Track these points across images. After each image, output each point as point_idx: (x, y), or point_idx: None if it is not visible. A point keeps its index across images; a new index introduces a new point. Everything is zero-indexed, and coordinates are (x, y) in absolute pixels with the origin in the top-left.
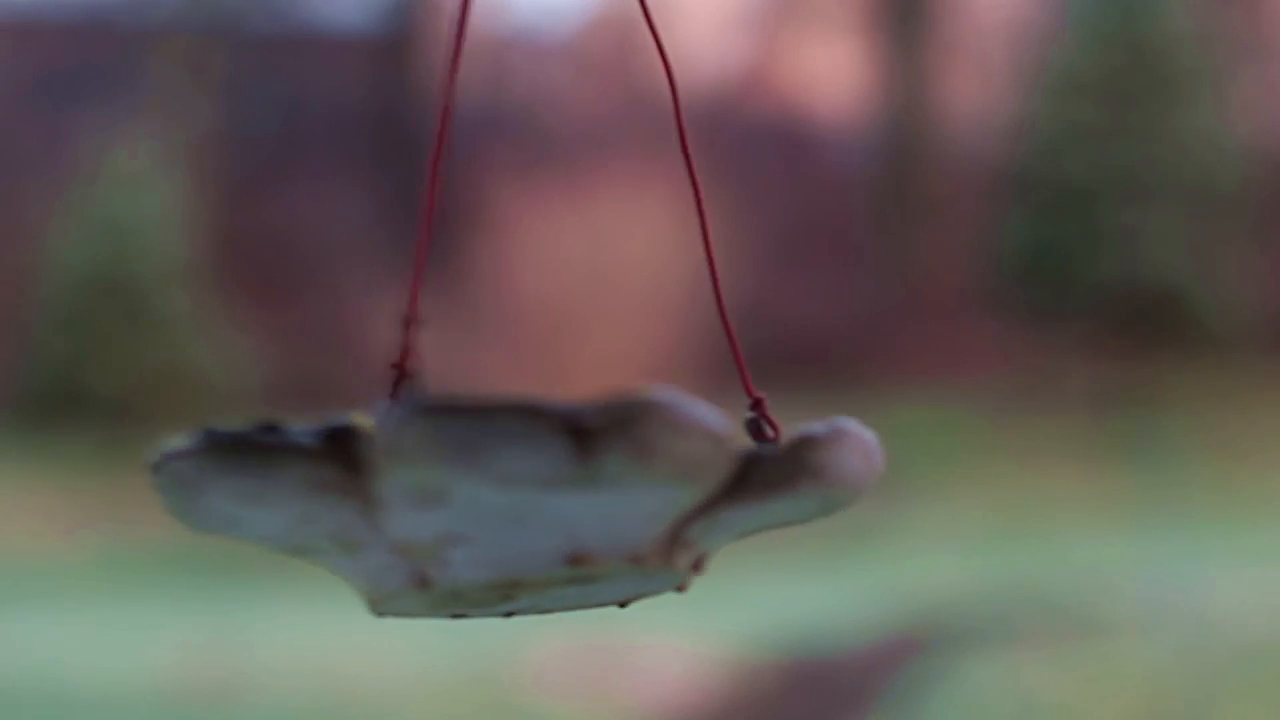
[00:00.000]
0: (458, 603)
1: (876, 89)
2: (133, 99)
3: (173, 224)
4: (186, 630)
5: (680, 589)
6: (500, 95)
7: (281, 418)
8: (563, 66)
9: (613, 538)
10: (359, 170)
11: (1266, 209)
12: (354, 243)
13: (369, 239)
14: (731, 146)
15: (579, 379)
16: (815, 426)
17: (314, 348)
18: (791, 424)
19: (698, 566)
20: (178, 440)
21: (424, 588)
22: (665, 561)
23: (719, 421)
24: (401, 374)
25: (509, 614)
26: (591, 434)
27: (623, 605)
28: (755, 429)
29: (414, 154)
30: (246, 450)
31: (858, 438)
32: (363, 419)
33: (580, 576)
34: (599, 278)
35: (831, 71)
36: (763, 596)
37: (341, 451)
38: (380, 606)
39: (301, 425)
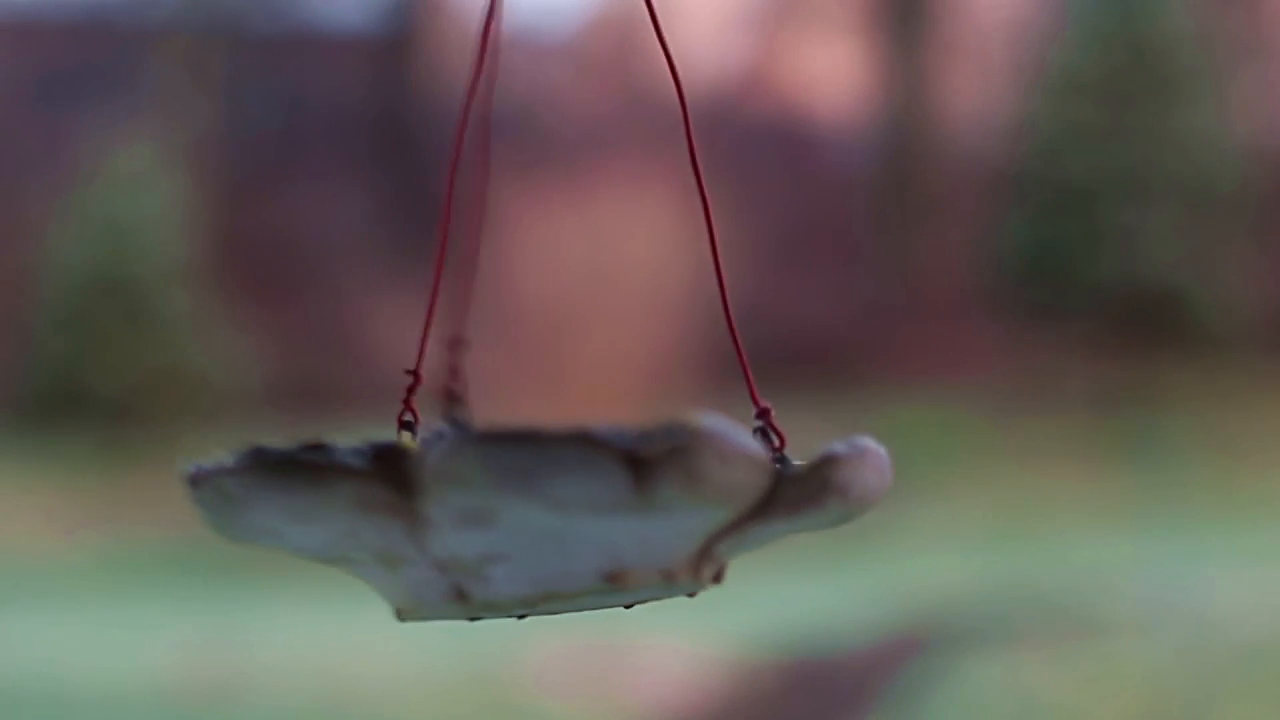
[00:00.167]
0: (486, 611)
1: (876, 89)
2: (133, 99)
3: (173, 224)
4: (186, 630)
5: (692, 594)
6: (500, 95)
7: (328, 436)
8: (563, 66)
9: (649, 555)
10: (359, 170)
11: (1266, 209)
12: (354, 243)
13: (369, 239)
14: (731, 146)
15: (579, 379)
16: (838, 446)
17: (314, 348)
18: (791, 424)
19: (718, 577)
20: (221, 456)
21: (461, 601)
22: (694, 575)
23: (758, 447)
24: (449, 397)
25: (521, 615)
26: (647, 463)
27: (628, 606)
28: (762, 438)
29: (414, 154)
30: (296, 469)
31: (876, 455)
32: (409, 440)
33: (613, 590)
34: (599, 278)
35: (831, 71)
36: (763, 596)
37: (390, 472)
38: (409, 615)
39: (349, 444)
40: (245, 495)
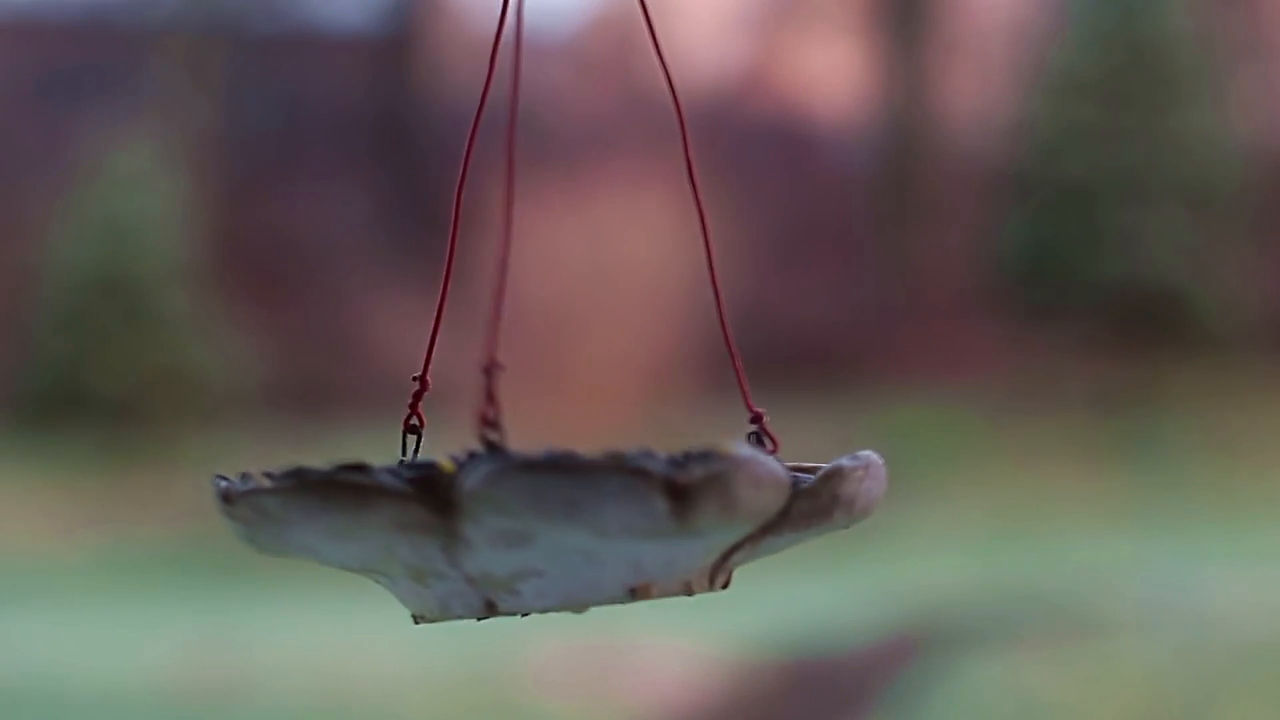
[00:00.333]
0: (504, 615)
1: (876, 89)
2: (133, 99)
3: (173, 224)
4: (186, 630)
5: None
6: (499, 95)
7: (367, 460)
8: (563, 66)
9: (671, 569)
10: (359, 170)
11: (1266, 209)
12: (354, 243)
13: (369, 239)
14: (731, 146)
15: (579, 379)
16: (844, 461)
17: (314, 348)
18: (791, 425)
19: (725, 583)
20: (259, 475)
21: (489, 612)
22: (709, 584)
23: (783, 470)
24: (486, 421)
25: (526, 613)
26: (687, 492)
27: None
28: (756, 442)
29: (414, 154)
30: (338, 490)
31: (879, 467)
32: (447, 462)
33: (633, 600)
34: (599, 278)
35: (831, 71)
36: (763, 596)
37: (430, 493)
38: (429, 620)
39: (389, 467)
40: (286, 514)
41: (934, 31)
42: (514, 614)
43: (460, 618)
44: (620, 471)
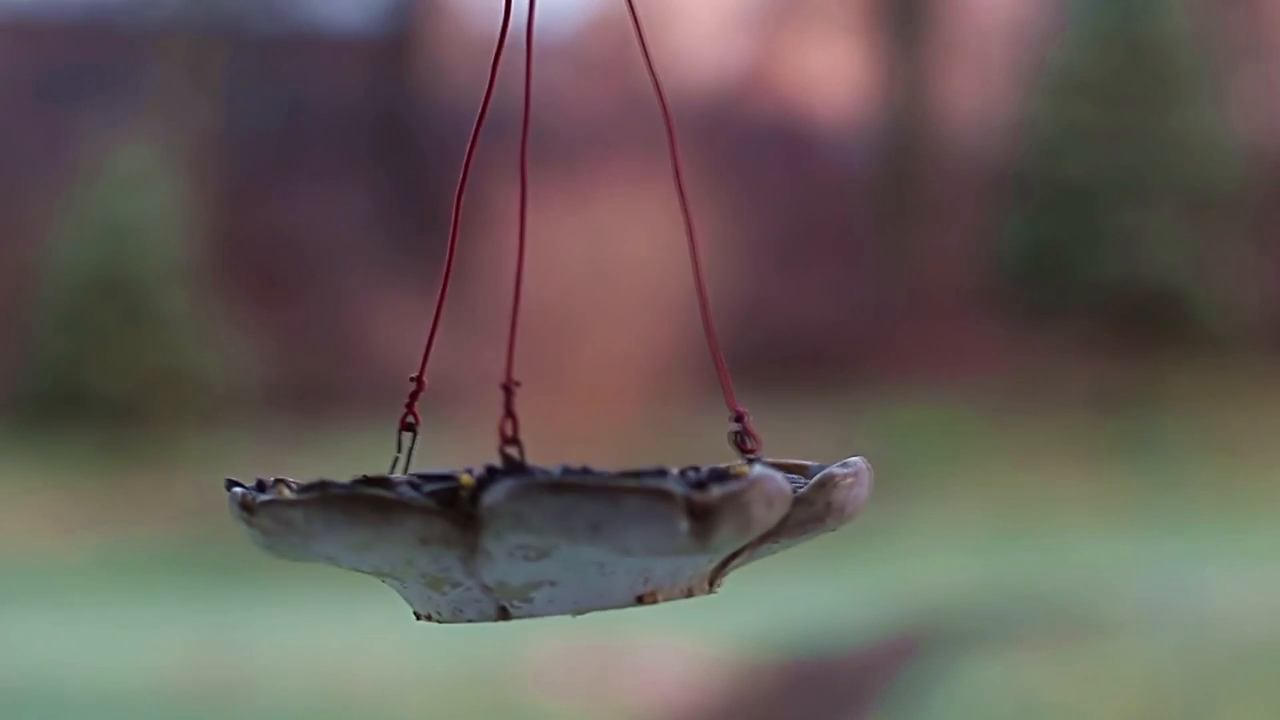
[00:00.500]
0: (515, 619)
1: (876, 89)
2: (133, 99)
3: (173, 224)
4: (186, 630)
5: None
6: (499, 95)
7: (387, 474)
8: (563, 66)
9: (677, 578)
10: (359, 170)
11: (1266, 209)
12: (354, 243)
13: (369, 239)
14: (731, 146)
15: (579, 379)
16: (835, 469)
17: (314, 348)
18: (791, 424)
19: (720, 584)
20: (273, 482)
21: (501, 618)
22: (708, 588)
23: (788, 485)
24: (506, 440)
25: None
26: (708, 513)
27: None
28: (739, 441)
29: (414, 154)
30: (364, 505)
31: (866, 473)
32: (467, 478)
33: (638, 605)
34: (599, 278)
35: (831, 71)
36: (763, 596)
37: (452, 508)
38: (437, 621)
39: (409, 478)
40: (309, 526)
41: (934, 31)
42: (524, 619)
43: (471, 621)
44: (643, 493)
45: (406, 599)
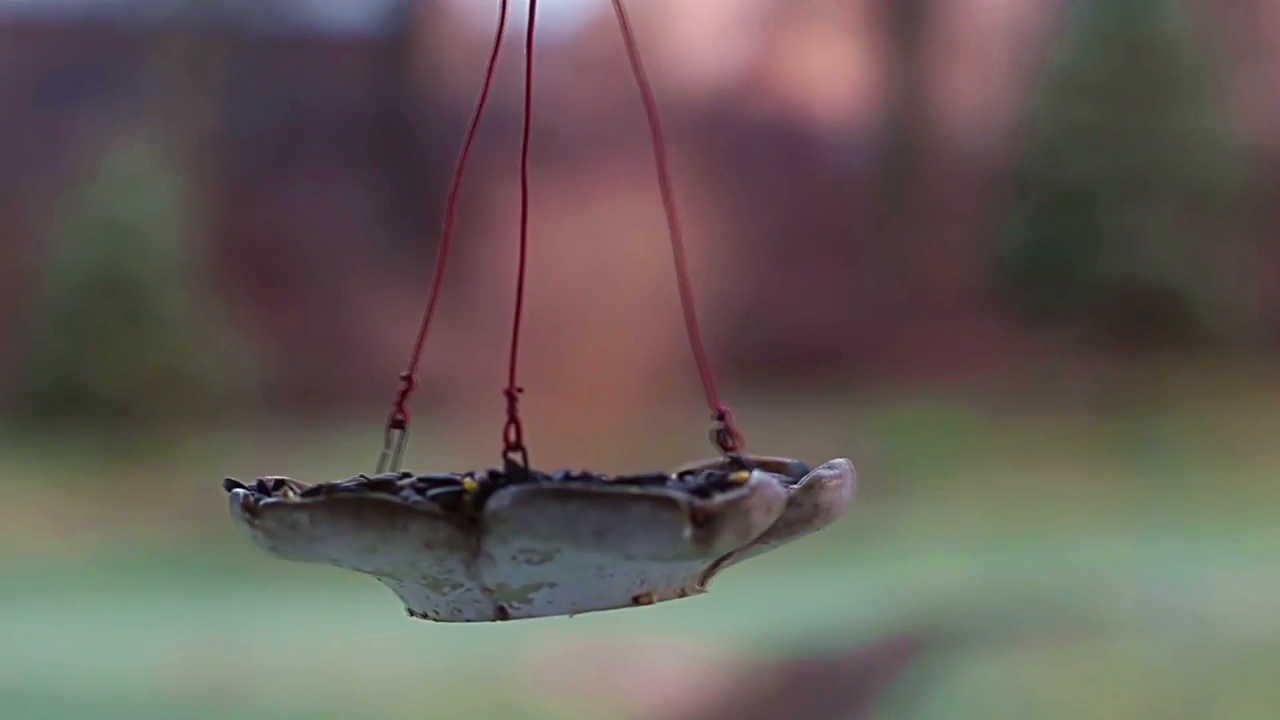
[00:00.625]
0: (512, 620)
1: (876, 89)
2: (133, 99)
3: (173, 224)
4: (186, 630)
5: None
6: (499, 95)
7: (390, 479)
8: (563, 66)
9: (672, 579)
10: (359, 170)
11: (1266, 209)
12: (354, 243)
13: (369, 239)
14: (731, 146)
15: (579, 379)
16: (822, 470)
17: (314, 348)
18: (791, 424)
19: (710, 584)
20: (273, 482)
21: (499, 618)
22: (699, 588)
23: (784, 490)
24: (510, 447)
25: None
26: (711, 519)
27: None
28: (721, 440)
29: (414, 154)
30: (371, 509)
31: (851, 474)
32: (470, 482)
33: (632, 606)
34: (599, 278)
35: (831, 71)
36: (763, 596)
37: (456, 512)
38: (434, 620)
39: (412, 481)
40: (316, 530)
41: (934, 31)
42: (522, 619)
43: (469, 621)
44: (649, 500)
45: (401, 596)
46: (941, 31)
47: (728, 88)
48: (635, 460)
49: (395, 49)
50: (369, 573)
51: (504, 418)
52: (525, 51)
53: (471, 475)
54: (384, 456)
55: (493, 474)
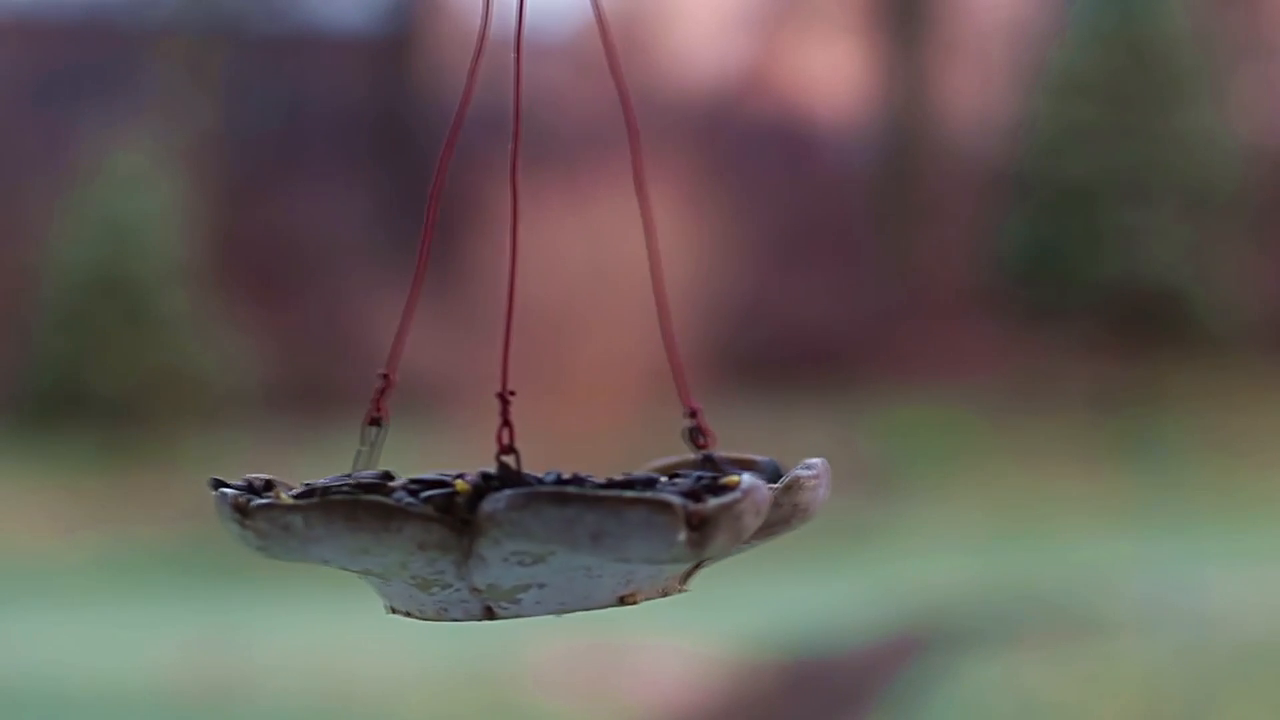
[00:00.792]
0: (499, 620)
1: (876, 89)
2: (133, 99)
3: (173, 224)
4: (186, 630)
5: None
6: (498, 95)
7: (392, 474)
8: (562, 66)
9: (656, 579)
10: (359, 170)
11: (1266, 209)
12: (354, 243)
13: (369, 239)
14: (731, 146)
15: (579, 379)
16: (800, 471)
17: (314, 348)
18: (791, 424)
19: (689, 584)
20: (281, 491)
21: (486, 617)
22: (679, 587)
23: (770, 493)
24: (504, 450)
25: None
26: (705, 522)
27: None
28: (693, 437)
29: (414, 154)
30: (365, 511)
31: (828, 474)
32: (462, 485)
33: (618, 606)
34: (599, 278)
35: (831, 71)
36: (763, 596)
37: (449, 514)
38: (416, 618)
39: (405, 483)
40: (310, 532)
41: (934, 31)
42: (510, 619)
43: (455, 621)
44: (646, 504)
45: (385, 595)
46: (941, 31)
47: (728, 88)
48: (636, 460)
49: (395, 49)
50: (356, 572)
51: (498, 420)
52: (523, 50)
53: (463, 477)
54: (359, 454)
55: (485, 475)
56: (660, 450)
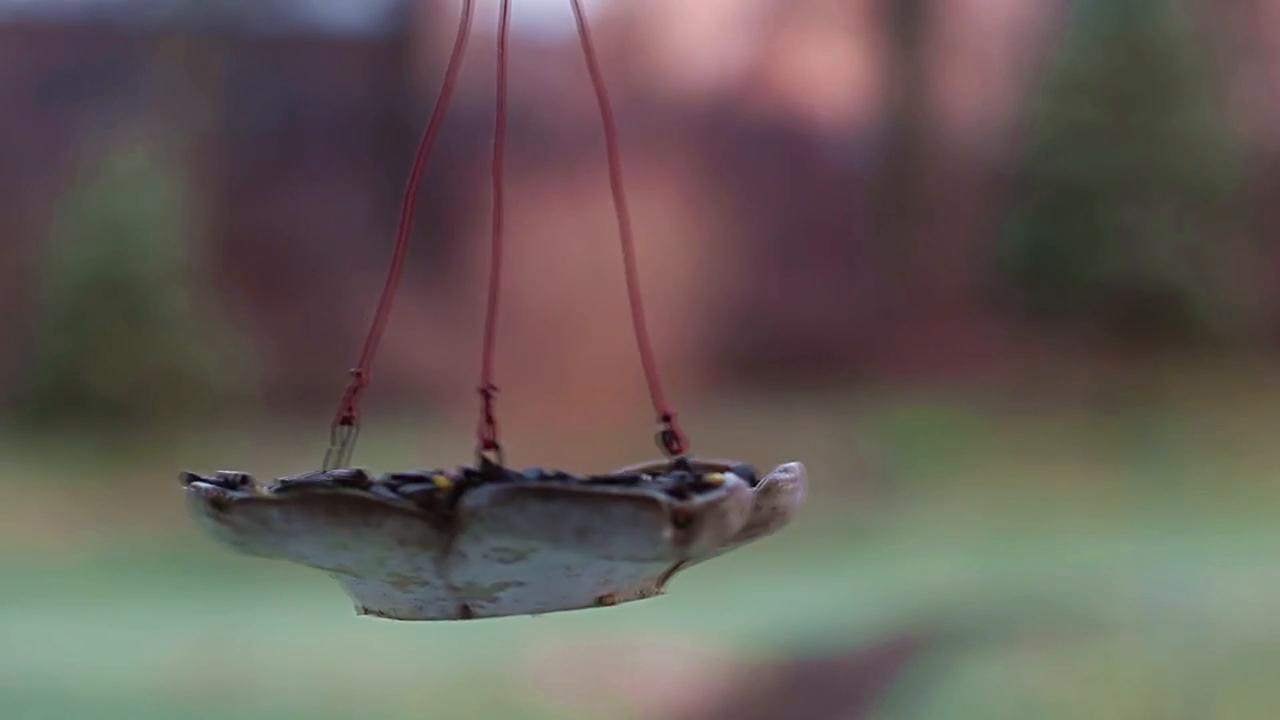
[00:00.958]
0: (476, 619)
1: (876, 89)
2: (133, 99)
3: (173, 224)
4: (186, 630)
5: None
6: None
7: (364, 473)
8: (563, 66)
9: (635, 580)
10: (359, 170)
11: (1266, 209)
12: (354, 243)
13: (369, 239)
14: (731, 146)
15: (579, 379)
16: (777, 474)
17: (314, 348)
18: (791, 424)
19: (666, 587)
20: (260, 486)
21: (463, 617)
22: (657, 589)
23: (752, 493)
24: (487, 445)
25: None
26: (690, 520)
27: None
28: (666, 441)
29: (414, 154)
30: (345, 505)
31: (804, 477)
32: (443, 480)
33: (596, 606)
34: (598, 278)
35: (831, 71)
36: (763, 596)
37: (433, 510)
38: (389, 617)
39: (385, 479)
40: (288, 527)
41: (934, 31)
42: (486, 619)
43: (430, 620)
44: (632, 500)
45: (357, 595)
46: (941, 31)
47: (728, 88)
48: (635, 460)
49: (395, 49)
50: (329, 570)
51: (479, 415)
52: (521, 49)
53: (443, 472)
54: (329, 453)
55: (466, 472)
56: (660, 450)
